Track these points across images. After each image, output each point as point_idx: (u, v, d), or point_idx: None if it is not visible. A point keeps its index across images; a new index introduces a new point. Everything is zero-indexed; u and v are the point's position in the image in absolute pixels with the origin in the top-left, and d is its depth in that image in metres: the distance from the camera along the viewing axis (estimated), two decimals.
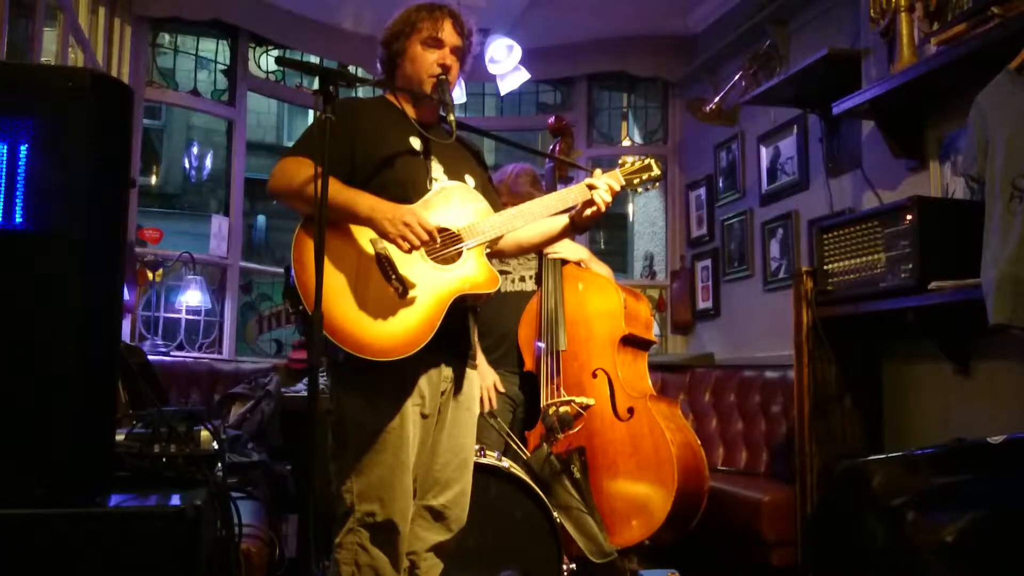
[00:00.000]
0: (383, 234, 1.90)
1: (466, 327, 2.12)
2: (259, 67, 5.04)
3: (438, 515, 2.10)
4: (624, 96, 5.58)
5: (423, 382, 2.02)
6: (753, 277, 4.35)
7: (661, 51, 5.05)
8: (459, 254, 2.00)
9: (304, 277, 1.85)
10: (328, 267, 1.82)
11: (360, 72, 5.00)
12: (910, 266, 2.53)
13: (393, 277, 1.91)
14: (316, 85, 1.82)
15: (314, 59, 4.90)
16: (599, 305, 3.06)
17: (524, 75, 4.65)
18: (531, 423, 3.06)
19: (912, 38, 2.82)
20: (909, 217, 2.55)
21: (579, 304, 3.07)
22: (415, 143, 2.10)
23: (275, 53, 4.93)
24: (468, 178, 2.16)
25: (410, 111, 2.15)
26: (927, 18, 2.81)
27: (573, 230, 2.21)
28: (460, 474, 2.14)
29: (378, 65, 2.22)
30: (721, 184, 4.69)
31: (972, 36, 2.48)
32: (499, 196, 2.34)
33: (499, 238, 2.11)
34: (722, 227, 4.64)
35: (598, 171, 2.16)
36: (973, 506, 2.15)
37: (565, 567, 2.56)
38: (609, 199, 2.10)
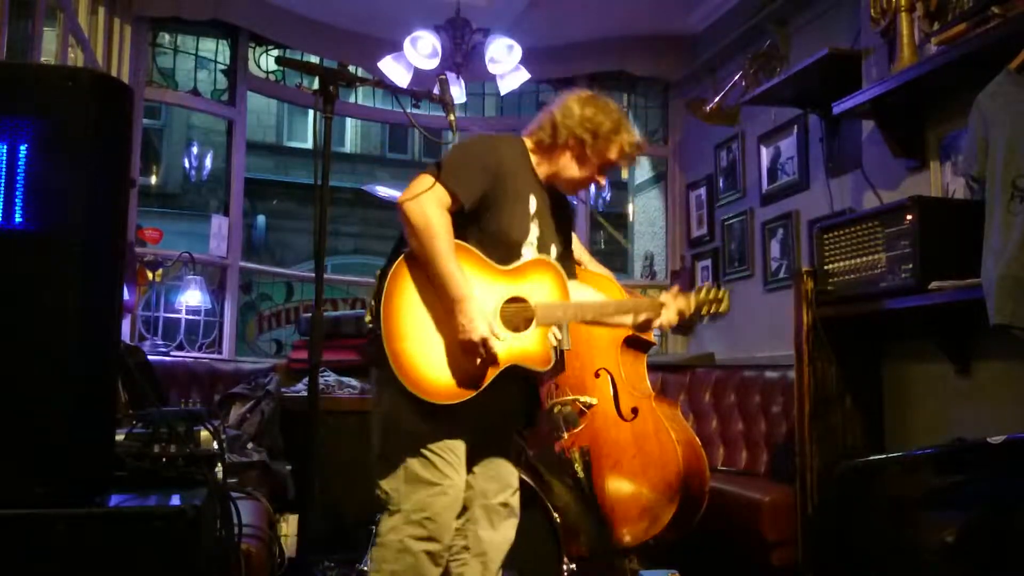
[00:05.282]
0: (457, 327, 2.00)
1: (507, 402, 2.23)
2: (259, 67, 5.04)
3: (497, 512, 2.25)
4: (624, 96, 5.57)
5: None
6: (753, 277, 4.35)
7: (661, 51, 5.05)
8: (526, 323, 2.13)
9: (390, 301, 2.02)
10: (418, 303, 2.04)
11: (360, 72, 5.00)
12: (910, 266, 2.53)
13: None
14: (316, 85, 1.82)
15: (314, 59, 4.90)
16: None
17: (524, 75, 4.65)
18: (528, 423, 3.05)
19: (912, 38, 2.82)
20: (909, 217, 2.55)
21: None
22: (532, 204, 2.21)
23: (275, 53, 4.93)
24: (553, 248, 2.26)
25: (543, 172, 2.25)
26: (927, 18, 2.81)
27: (632, 329, 2.40)
28: (511, 470, 2.32)
29: (551, 119, 2.22)
30: (721, 184, 4.69)
31: (972, 36, 2.48)
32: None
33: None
34: (722, 227, 4.64)
35: (675, 288, 2.36)
36: (973, 506, 2.15)
37: (565, 567, 2.56)
38: (675, 322, 2.29)
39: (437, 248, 1.98)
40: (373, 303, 2.03)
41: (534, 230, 2.21)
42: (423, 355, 2.03)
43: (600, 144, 2.18)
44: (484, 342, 2.00)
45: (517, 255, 2.16)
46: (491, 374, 2.07)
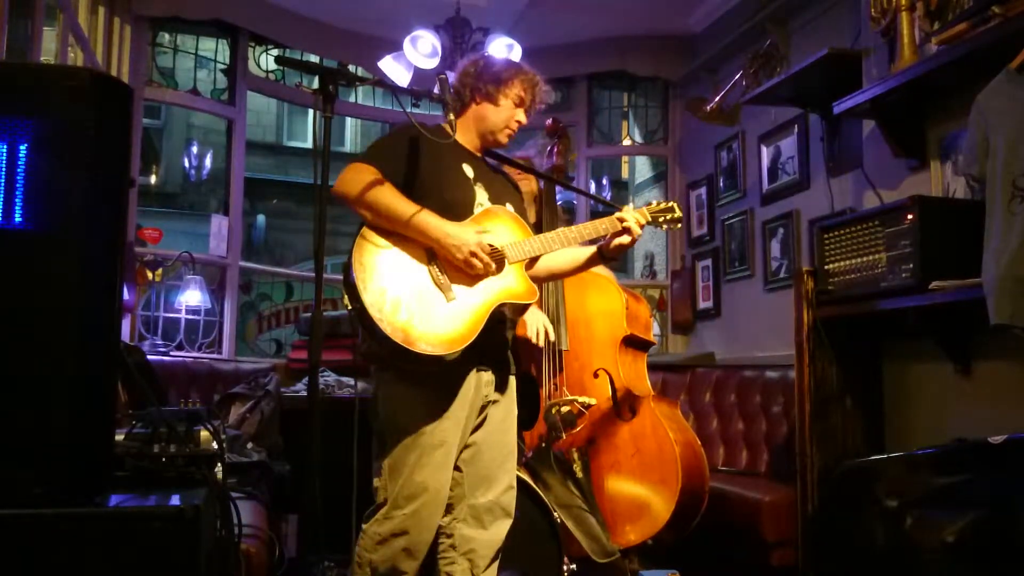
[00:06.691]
0: (452, 258, 2.08)
1: (505, 339, 2.30)
2: (259, 66, 5.04)
3: (487, 511, 2.23)
4: (624, 96, 5.57)
5: (468, 386, 2.16)
6: (754, 277, 4.35)
7: (661, 51, 5.05)
8: (501, 267, 2.17)
9: (363, 276, 2.04)
10: (388, 268, 2.07)
11: (360, 71, 5.00)
12: (911, 266, 2.53)
13: (444, 282, 2.11)
14: (316, 84, 1.82)
15: (314, 58, 4.90)
16: (600, 305, 3.06)
17: None
18: (527, 423, 3.06)
19: (913, 37, 2.82)
20: (910, 217, 2.55)
21: (580, 304, 3.07)
22: (468, 171, 2.28)
23: (275, 52, 4.93)
24: (508, 206, 2.33)
25: (467, 142, 2.34)
26: (928, 17, 2.81)
27: (601, 259, 2.37)
28: (507, 469, 2.29)
29: (454, 89, 2.33)
30: (722, 184, 4.68)
31: (972, 36, 2.48)
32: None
33: (538, 257, 2.30)
34: (723, 227, 4.64)
35: (628, 207, 2.34)
36: (973, 506, 2.15)
37: (566, 567, 2.56)
38: (639, 231, 2.29)
39: (388, 200, 2.07)
40: (345, 290, 2.08)
41: (480, 192, 2.27)
42: (410, 313, 2.04)
43: (501, 86, 2.28)
44: (480, 247, 2.07)
45: (471, 215, 2.23)
46: (481, 316, 2.09)
